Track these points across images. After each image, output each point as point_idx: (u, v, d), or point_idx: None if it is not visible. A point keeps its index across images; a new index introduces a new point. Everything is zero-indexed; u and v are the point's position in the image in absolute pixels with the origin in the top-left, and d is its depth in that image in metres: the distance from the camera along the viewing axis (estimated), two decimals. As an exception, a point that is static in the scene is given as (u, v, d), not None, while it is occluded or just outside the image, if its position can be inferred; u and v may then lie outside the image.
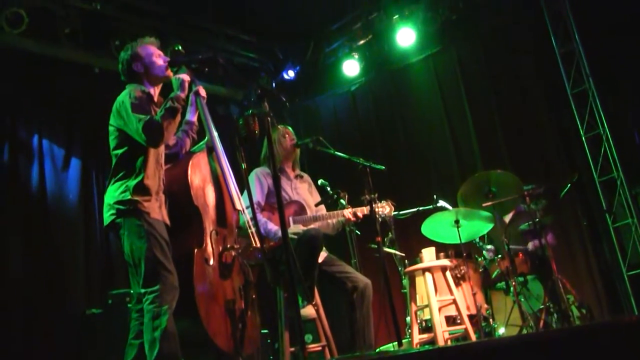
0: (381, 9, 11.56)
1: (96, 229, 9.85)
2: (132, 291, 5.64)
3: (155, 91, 5.89)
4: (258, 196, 7.15)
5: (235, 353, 5.77)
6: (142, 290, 5.31)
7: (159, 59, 5.88)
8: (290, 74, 12.59)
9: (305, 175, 7.78)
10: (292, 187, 7.49)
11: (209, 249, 5.86)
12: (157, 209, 5.52)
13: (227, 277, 5.99)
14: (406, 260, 8.63)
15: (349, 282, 7.03)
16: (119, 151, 5.59)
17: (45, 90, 10.00)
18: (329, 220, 7.34)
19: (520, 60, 10.99)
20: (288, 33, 12.27)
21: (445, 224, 8.27)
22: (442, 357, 4.05)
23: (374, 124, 12.72)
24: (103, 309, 8.52)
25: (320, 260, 6.87)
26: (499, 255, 8.82)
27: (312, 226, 7.07)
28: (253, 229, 6.10)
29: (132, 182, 5.46)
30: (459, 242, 8.10)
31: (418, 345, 7.86)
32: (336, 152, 7.32)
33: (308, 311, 6.84)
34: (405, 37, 11.50)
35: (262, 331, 7.72)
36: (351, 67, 12.28)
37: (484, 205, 8.24)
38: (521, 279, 8.71)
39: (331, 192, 7.44)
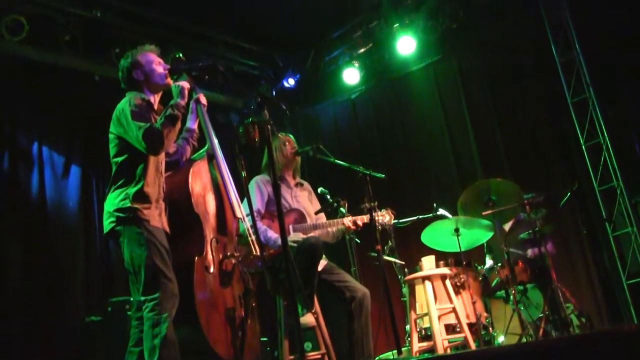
0: (382, 17, 11.57)
1: (96, 236, 9.85)
2: (131, 299, 5.63)
3: (155, 99, 5.89)
4: (258, 204, 7.15)
5: (235, 361, 5.77)
6: (142, 298, 5.31)
7: (159, 67, 5.88)
8: (290, 82, 12.60)
9: (306, 183, 7.78)
10: (292, 195, 7.48)
11: (209, 256, 5.85)
12: (157, 217, 5.52)
13: (227, 285, 5.99)
14: (406, 269, 8.63)
15: (348, 291, 7.03)
16: (119, 159, 5.59)
17: (45, 98, 10.00)
18: (329, 229, 7.34)
19: (520, 69, 10.99)
20: (288, 41, 12.28)
21: (445, 232, 8.28)
22: (441, 365, 4.06)
23: (374, 132, 12.72)
24: (103, 316, 8.51)
25: (319, 268, 6.87)
26: (499, 264, 8.81)
27: (311, 234, 7.06)
28: (253, 237, 6.10)
29: (132, 190, 5.46)
30: (458, 250, 8.10)
31: (417, 354, 7.86)
32: (336, 160, 7.32)
33: (307, 319, 6.82)
34: (406, 45, 11.51)
35: (262, 339, 7.71)
36: (351, 75, 12.29)
37: (483, 213, 8.24)
38: (521, 287, 8.70)
39: (331, 200, 7.44)
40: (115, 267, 9.68)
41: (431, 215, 8.59)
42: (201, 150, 6.34)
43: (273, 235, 6.93)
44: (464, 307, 8.08)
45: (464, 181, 10.71)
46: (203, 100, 6.28)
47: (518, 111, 10.95)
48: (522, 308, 8.42)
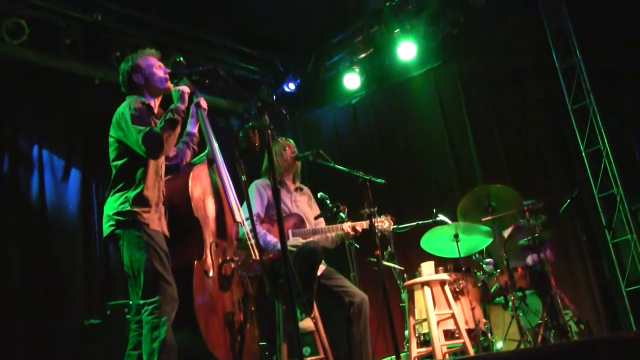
0: (382, 22, 11.56)
1: (96, 239, 9.86)
2: (131, 302, 5.62)
3: (155, 103, 5.89)
4: (257, 208, 7.15)
5: (234, 365, 5.77)
6: (141, 302, 5.30)
7: (160, 71, 5.88)
8: (290, 87, 12.61)
9: (305, 188, 7.79)
10: (292, 200, 7.49)
11: (209, 260, 5.85)
12: (156, 221, 5.52)
13: (227, 289, 5.99)
14: (405, 274, 8.64)
15: (346, 296, 7.03)
16: (119, 162, 5.59)
17: (45, 101, 10.02)
18: (328, 234, 7.34)
19: (520, 76, 10.99)
20: (289, 45, 12.28)
21: (445, 238, 8.29)
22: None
23: (374, 138, 12.72)
24: (102, 319, 8.50)
25: (319, 273, 6.87)
26: (498, 270, 8.80)
27: (311, 239, 7.07)
28: (252, 241, 6.10)
29: (132, 194, 5.45)
30: (458, 256, 8.11)
31: (416, 359, 7.87)
32: (336, 166, 7.31)
33: (306, 324, 6.82)
34: (406, 51, 11.50)
35: (261, 343, 7.71)
36: (352, 81, 12.29)
37: (483, 219, 8.25)
38: (520, 293, 8.71)
39: (331, 205, 7.44)
40: (115, 270, 9.68)
41: (431, 220, 8.59)
42: (201, 154, 6.34)
43: (272, 239, 6.93)
44: (463, 313, 8.09)
45: (463, 187, 10.71)
46: (203, 104, 6.27)
47: (518, 117, 10.95)
48: (521, 314, 8.43)
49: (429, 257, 8.64)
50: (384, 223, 7.27)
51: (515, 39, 11.08)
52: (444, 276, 8.09)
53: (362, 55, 12.18)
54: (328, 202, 7.58)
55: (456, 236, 8.12)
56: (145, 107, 5.67)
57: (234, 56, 12.04)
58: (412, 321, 8.00)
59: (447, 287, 7.97)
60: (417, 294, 8.06)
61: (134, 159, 5.52)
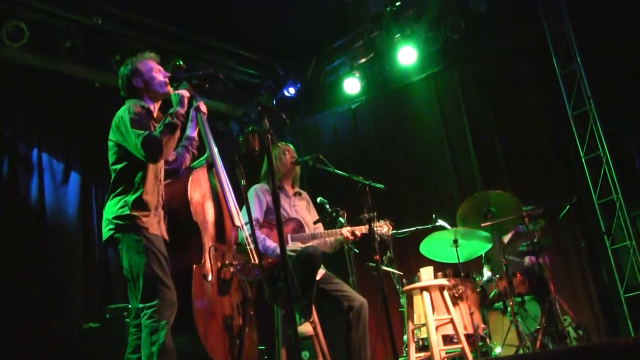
0: (383, 27, 11.58)
1: (95, 243, 9.86)
2: (130, 306, 5.63)
3: (154, 107, 5.88)
4: (257, 213, 7.14)
5: (232, 370, 5.77)
6: (140, 305, 5.30)
7: (159, 75, 5.87)
8: (290, 91, 12.63)
9: (304, 193, 7.79)
10: (291, 205, 7.49)
11: (208, 265, 5.84)
12: (155, 225, 5.52)
13: (226, 294, 5.98)
14: (404, 279, 8.61)
15: (345, 301, 7.01)
16: (118, 166, 5.58)
17: (45, 104, 10.02)
18: (327, 239, 7.34)
19: (521, 81, 11.01)
20: (289, 50, 12.30)
21: (444, 243, 8.29)
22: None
23: (374, 143, 12.72)
24: (101, 323, 8.52)
25: (318, 277, 6.86)
26: (497, 276, 8.80)
27: (310, 244, 7.06)
28: (252, 246, 6.09)
29: (131, 198, 5.45)
30: (457, 261, 8.11)
31: (415, 364, 7.87)
32: (336, 170, 7.30)
33: (305, 328, 6.83)
34: (407, 56, 11.52)
35: (259, 348, 7.70)
36: (352, 85, 12.31)
37: (482, 225, 8.25)
38: (519, 299, 8.71)
39: (330, 210, 7.43)
40: (114, 274, 9.68)
41: (430, 226, 8.59)
42: (201, 159, 6.33)
43: (271, 244, 6.93)
44: (462, 318, 8.07)
45: (463, 192, 10.73)
46: (203, 108, 6.26)
47: (518, 123, 10.95)
48: (520, 320, 8.43)
49: (428, 262, 8.63)
50: (383, 228, 7.27)
51: (516, 45, 11.09)
52: (443, 281, 8.07)
53: (363, 60, 12.21)
54: (327, 207, 7.57)
55: (455, 241, 8.12)
56: (144, 111, 5.66)
57: (233, 60, 12.04)
58: (410, 326, 7.99)
59: (446, 293, 7.96)
60: (416, 299, 8.05)
61: (133, 163, 5.51)
